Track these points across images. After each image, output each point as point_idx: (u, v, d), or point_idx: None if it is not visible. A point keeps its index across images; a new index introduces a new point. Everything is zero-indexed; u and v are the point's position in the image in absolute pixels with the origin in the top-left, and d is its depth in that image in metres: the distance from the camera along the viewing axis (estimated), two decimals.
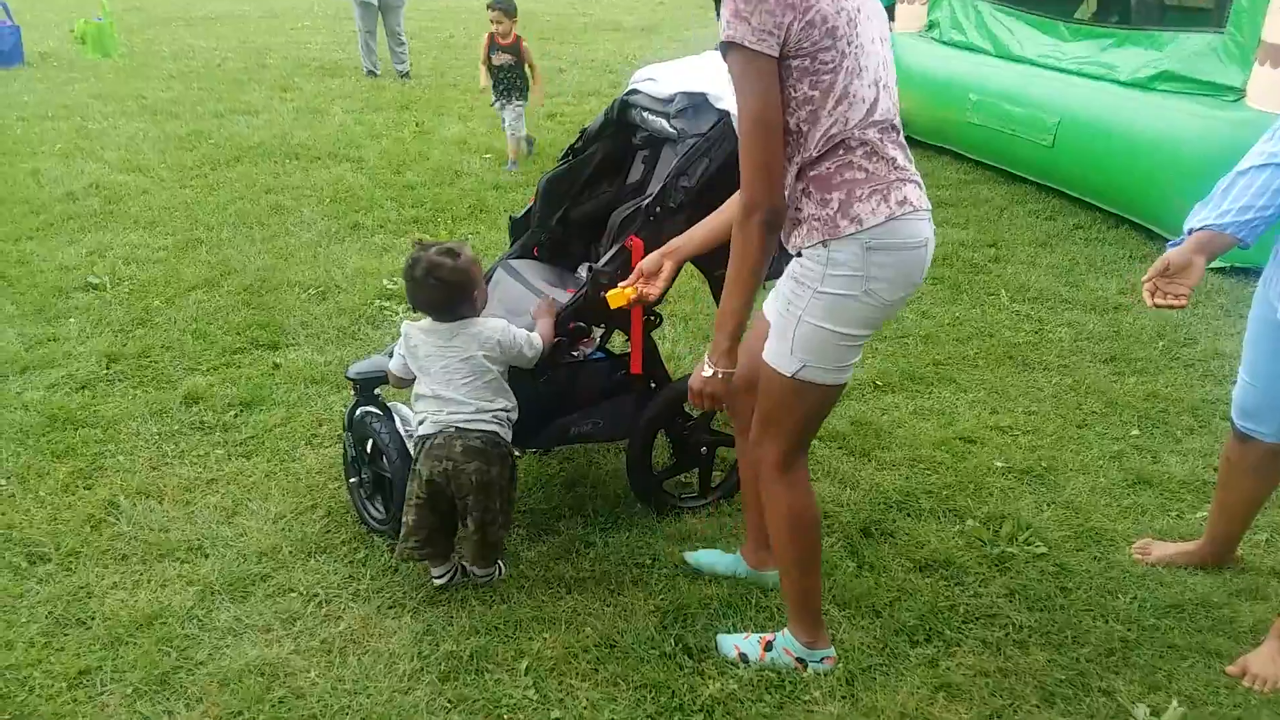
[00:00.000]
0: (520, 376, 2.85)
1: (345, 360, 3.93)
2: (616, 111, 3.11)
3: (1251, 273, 4.69)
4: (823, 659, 2.33)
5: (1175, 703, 2.24)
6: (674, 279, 2.49)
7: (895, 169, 1.97)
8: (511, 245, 3.27)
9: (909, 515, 2.99)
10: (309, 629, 2.45)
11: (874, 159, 1.95)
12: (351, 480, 2.88)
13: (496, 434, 2.55)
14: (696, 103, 2.82)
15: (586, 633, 2.46)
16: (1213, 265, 4.81)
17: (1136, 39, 5.77)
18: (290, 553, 2.74)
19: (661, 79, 2.98)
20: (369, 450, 2.84)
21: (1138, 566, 2.77)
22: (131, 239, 5.21)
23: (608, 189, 3.23)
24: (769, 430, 2.15)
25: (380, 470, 2.81)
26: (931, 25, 7.58)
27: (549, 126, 8.31)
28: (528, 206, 3.25)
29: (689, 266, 2.95)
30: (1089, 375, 3.92)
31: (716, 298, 3.04)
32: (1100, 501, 3.08)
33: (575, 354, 3.04)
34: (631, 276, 2.46)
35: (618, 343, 3.08)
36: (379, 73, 10.33)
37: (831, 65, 1.88)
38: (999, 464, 3.27)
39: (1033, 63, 6.43)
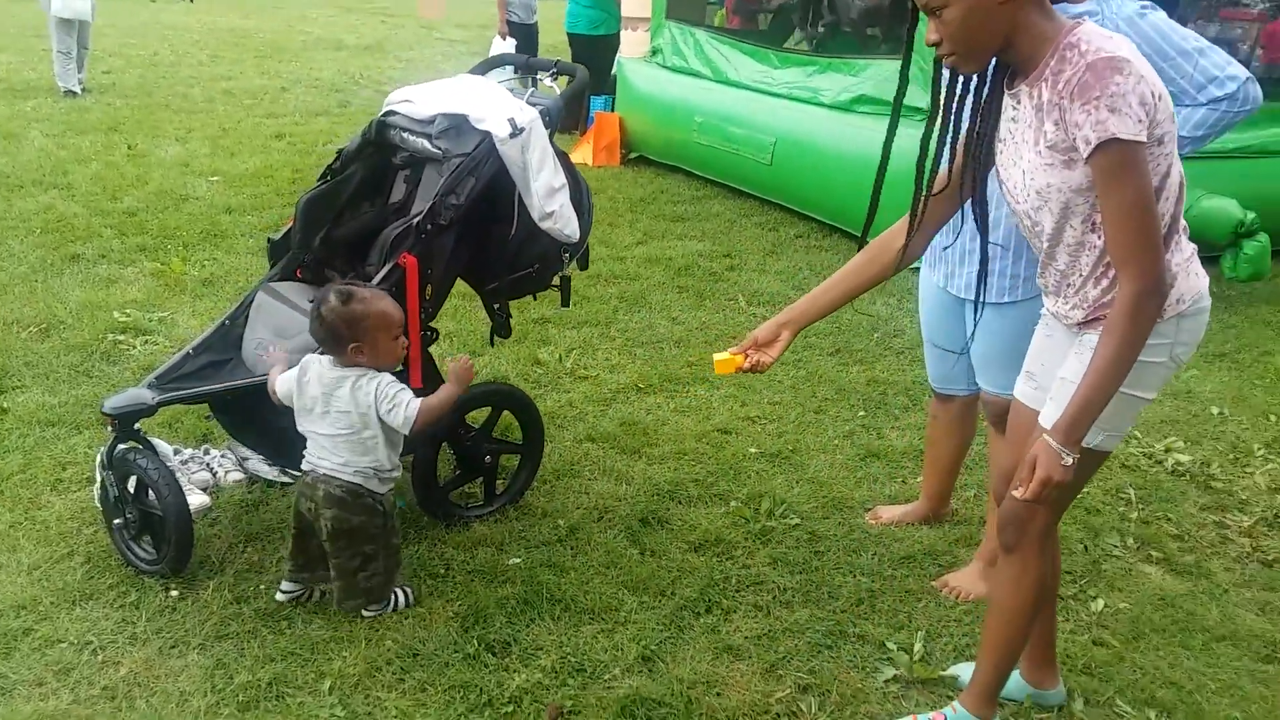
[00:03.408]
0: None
1: (82, 400, 3.66)
2: (374, 132, 3.13)
3: None
4: None
5: (919, 636, 2.59)
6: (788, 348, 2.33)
7: (1190, 239, 2.00)
8: (272, 267, 3.21)
9: (680, 502, 3.23)
10: (86, 678, 2.31)
11: (1186, 235, 1.97)
12: (115, 522, 2.72)
13: (360, 486, 2.51)
14: (457, 123, 2.91)
15: (387, 645, 2.49)
16: (914, 265, 5.52)
17: (836, 66, 6.46)
18: (52, 603, 2.55)
19: (419, 101, 3.04)
20: (132, 489, 2.70)
21: (873, 528, 3.16)
22: None
23: (369, 209, 3.24)
24: (1048, 504, 2.03)
25: (148, 508, 2.68)
26: (655, 51, 8.06)
27: (279, 147, 8.02)
28: (286, 228, 3.20)
29: (458, 283, 3.05)
30: (819, 367, 4.37)
31: (489, 312, 3.17)
32: (839, 475, 3.47)
33: None
34: (745, 343, 2.25)
35: None
36: (79, 92, 9.51)
37: (1169, 149, 1.85)
38: (753, 450, 3.60)
39: (749, 87, 7.02)
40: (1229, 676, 2.51)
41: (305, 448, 2.64)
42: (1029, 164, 1.92)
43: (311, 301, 2.51)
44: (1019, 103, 1.93)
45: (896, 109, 2.17)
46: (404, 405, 2.48)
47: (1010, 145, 1.98)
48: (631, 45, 8.26)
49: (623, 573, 2.83)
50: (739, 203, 6.90)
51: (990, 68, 1.96)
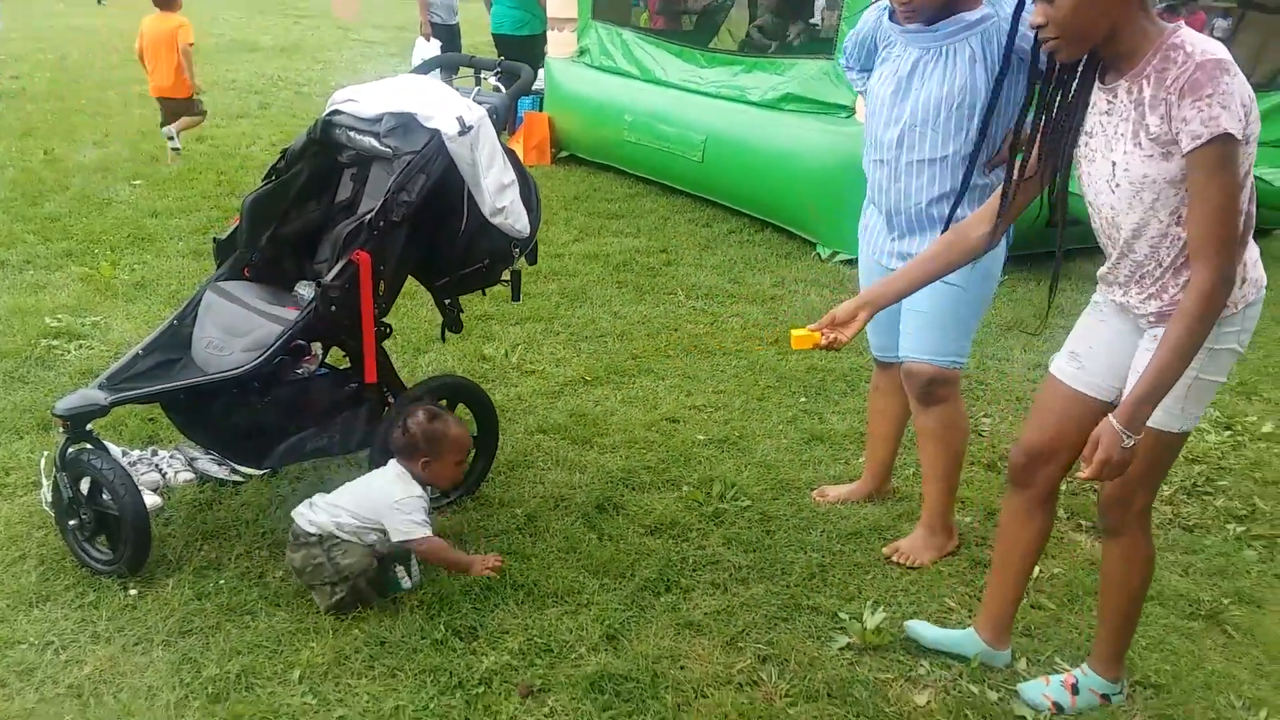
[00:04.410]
0: (244, 398, 2.82)
1: (20, 405, 3.59)
2: (320, 131, 3.13)
3: None
4: (1121, 689, 2.42)
5: (869, 606, 2.71)
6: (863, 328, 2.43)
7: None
8: (219, 266, 3.19)
9: (634, 489, 3.31)
10: (50, 677, 2.29)
11: (1251, 232, 2.06)
12: (70, 524, 2.69)
13: (306, 531, 2.61)
14: (405, 121, 2.92)
15: (354, 634, 2.51)
16: (847, 257, 5.69)
17: (762, 65, 6.61)
18: (8, 606, 2.51)
19: (364, 100, 3.05)
20: (86, 490, 2.67)
21: (821, 507, 3.27)
22: None
23: (315, 207, 3.24)
24: (1143, 485, 2.20)
25: (103, 508, 2.65)
26: (583, 51, 8.12)
27: (201, 150, 7.87)
28: (232, 227, 3.18)
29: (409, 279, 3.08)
30: (760, 357, 4.49)
31: (439, 308, 3.20)
32: (785, 458, 3.58)
33: (300, 371, 3.05)
34: (823, 321, 2.33)
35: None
36: None
37: (1252, 149, 1.93)
38: (701, 437, 3.70)
39: (677, 86, 7.13)
40: (1157, 633, 2.68)
41: (271, 453, 2.70)
42: (1123, 156, 2.01)
43: (399, 414, 2.76)
44: (1115, 97, 2.02)
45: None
46: (404, 523, 2.61)
47: (1100, 138, 2.07)
48: (558, 45, 8.30)
49: (582, 557, 2.90)
50: (671, 199, 7.01)
51: (1081, 62, 2.05)
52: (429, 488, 2.72)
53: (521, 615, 2.63)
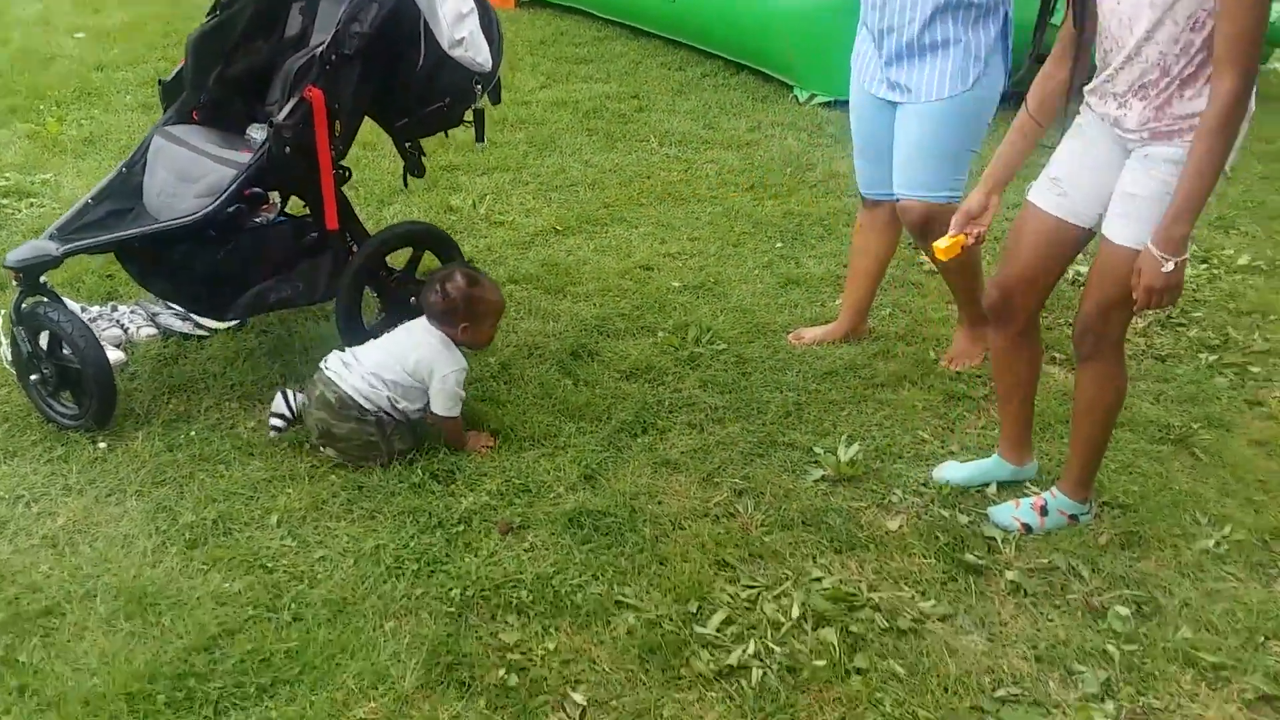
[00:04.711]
0: (202, 247, 2.73)
1: None
2: None
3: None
4: (1089, 510, 2.45)
5: (843, 440, 2.73)
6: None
7: None
8: (165, 111, 3.03)
9: (609, 336, 3.27)
10: (24, 529, 2.28)
11: None
12: (31, 379, 2.63)
13: (353, 400, 2.52)
14: None
15: (331, 480, 2.50)
16: (825, 100, 5.52)
17: None
18: None
19: None
20: (45, 344, 2.60)
21: (797, 348, 3.26)
22: None
23: (264, 45, 3.07)
24: (1119, 312, 2.17)
25: (64, 362, 2.59)
26: None
27: None
28: (178, 68, 3.01)
29: (366, 124, 2.95)
30: (735, 203, 4.39)
31: (400, 151, 3.07)
32: (761, 302, 3.54)
33: (258, 219, 2.95)
34: (959, 222, 2.32)
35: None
36: None
37: None
38: (676, 284, 3.64)
39: None
40: (1126, 457, 2.71)
41: (234, 305, 2.68)
42: None
43: (435, 278, 2.65)
44: None
45: None
46: (449, 399, 2.58)
47: None
48: None
49: (558, 402, 2.88)
50: (642, 43, 6.73)
51: None
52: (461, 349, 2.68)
53: (499, 459, 2.62)
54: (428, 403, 2.59)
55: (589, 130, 5.12)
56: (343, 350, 2.65)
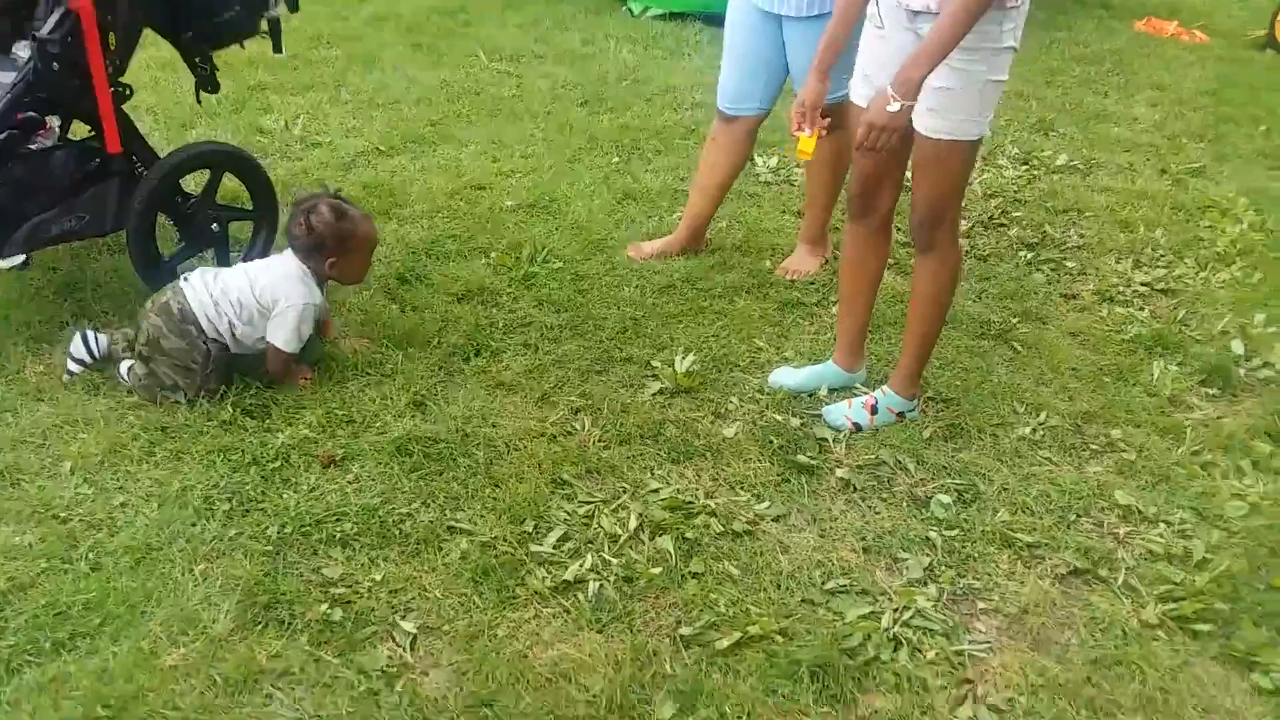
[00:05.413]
0: None
1: None
2: None
3: (690, 16, 5.34)
4: (915, 406, 2.52)
5: (680, 352, 2.70)
6: None
7: None
8: None
9: (438, 259, 3.13)
10: None
11: None
12: None
13: (194, 316, 2.37)
14: None
15: (130, 422, 2.31)
16: (659, 12, 5.40)
17: None
18: None
19: None
20: None
21: (636, 263, 3.20)
22: None
23: None
24: (948, 201, 2.26)
25: None
26: None
27: None
28: None
29: (151, 38, 2.68)
30: (571, 118, 4.27)
31: (190, 66, 2.81)
32: (598, 218, 3.46)
33: (33, 144, 2.67)
34: (801, 115, 2.36)
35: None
36: None
37: None
38: (509, 203, 3.51)
39: None
40: (949, 354, 2.79)
41: (11, 240, 2.44)
42: None
43: (298, 209, 2.45)
44: None
45: None
46: (286, 333, 2.41)
47: None
48: None
49: (384, 329, 2.74)
50: None
51: None
52: (325, 287, 2.52)
53: (319, 391, 2.48)
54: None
55: (413, 45, 4.87)
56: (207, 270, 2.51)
